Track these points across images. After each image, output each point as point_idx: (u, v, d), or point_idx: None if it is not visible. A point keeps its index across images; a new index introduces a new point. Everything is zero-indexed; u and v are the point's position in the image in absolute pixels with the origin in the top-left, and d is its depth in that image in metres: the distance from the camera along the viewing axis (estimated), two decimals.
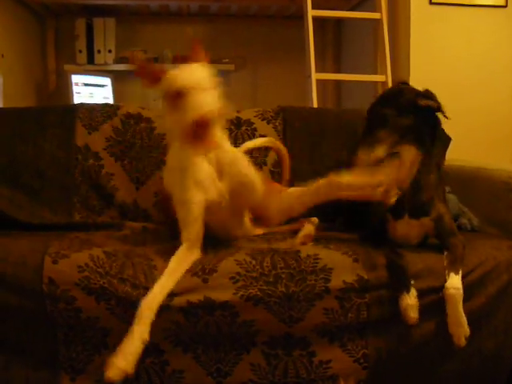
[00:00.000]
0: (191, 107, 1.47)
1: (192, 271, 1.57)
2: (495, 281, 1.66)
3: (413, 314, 1.56)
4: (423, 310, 1.59)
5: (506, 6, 3.22)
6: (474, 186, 2.08)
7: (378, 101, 1.78)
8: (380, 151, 1.67)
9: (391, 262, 1.63)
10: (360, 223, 1.92)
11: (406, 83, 1.86)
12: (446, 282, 1.60)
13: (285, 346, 1.59)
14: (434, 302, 1.62)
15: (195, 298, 1.52)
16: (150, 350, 1.53)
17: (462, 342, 1.59)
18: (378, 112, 1.73)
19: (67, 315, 1.53)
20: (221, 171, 1.67)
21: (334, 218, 2.12)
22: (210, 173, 1.65)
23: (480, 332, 1.66)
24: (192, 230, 1.64)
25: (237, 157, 1.74)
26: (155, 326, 1.51)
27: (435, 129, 1.76)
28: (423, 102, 1.70)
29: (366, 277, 1.58)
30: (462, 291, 1.59)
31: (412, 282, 1.59)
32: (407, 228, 1.77)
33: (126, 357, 1.39)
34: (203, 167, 1.65)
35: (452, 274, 1.61)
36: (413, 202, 1.74)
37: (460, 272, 1.61)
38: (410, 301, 1.56)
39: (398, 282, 1.60)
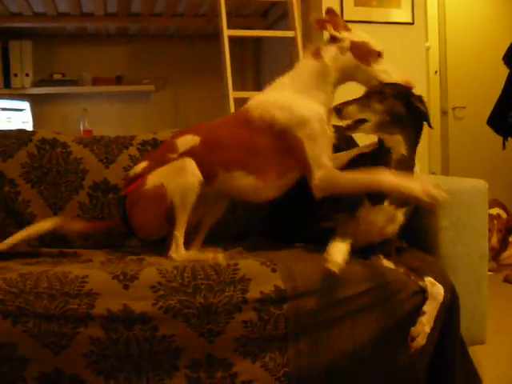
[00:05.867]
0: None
1: (113, 273, 1.57)
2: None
3: (335, 258, 1.61)
4: (351, 319, 1.66)
5: (412, 23, 3.46)
6: None
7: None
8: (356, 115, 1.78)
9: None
10: (294, 234, 2.01)
11: None
12: (423, 283, 1.69)
13: (207, 369, 1.58)
14: (364, 309, 1.67)
15: (115, 306, 1.51)
16: (71, 381, 1.51)
17: (425, 339, 1.67)
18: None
19: None
20: None
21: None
22: None
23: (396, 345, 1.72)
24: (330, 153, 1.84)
25: None
26: (75, 354, 1.50)
27: (417, 135, 1.81)
28: (415, 102, 1.76)
29: (282, 287, 1.61)
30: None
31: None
32: (378, 217, 1.79)
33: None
34: None
35: (428, 278, 1.70)
36: None
37: None
38: (334, 247, 1.65)
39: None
